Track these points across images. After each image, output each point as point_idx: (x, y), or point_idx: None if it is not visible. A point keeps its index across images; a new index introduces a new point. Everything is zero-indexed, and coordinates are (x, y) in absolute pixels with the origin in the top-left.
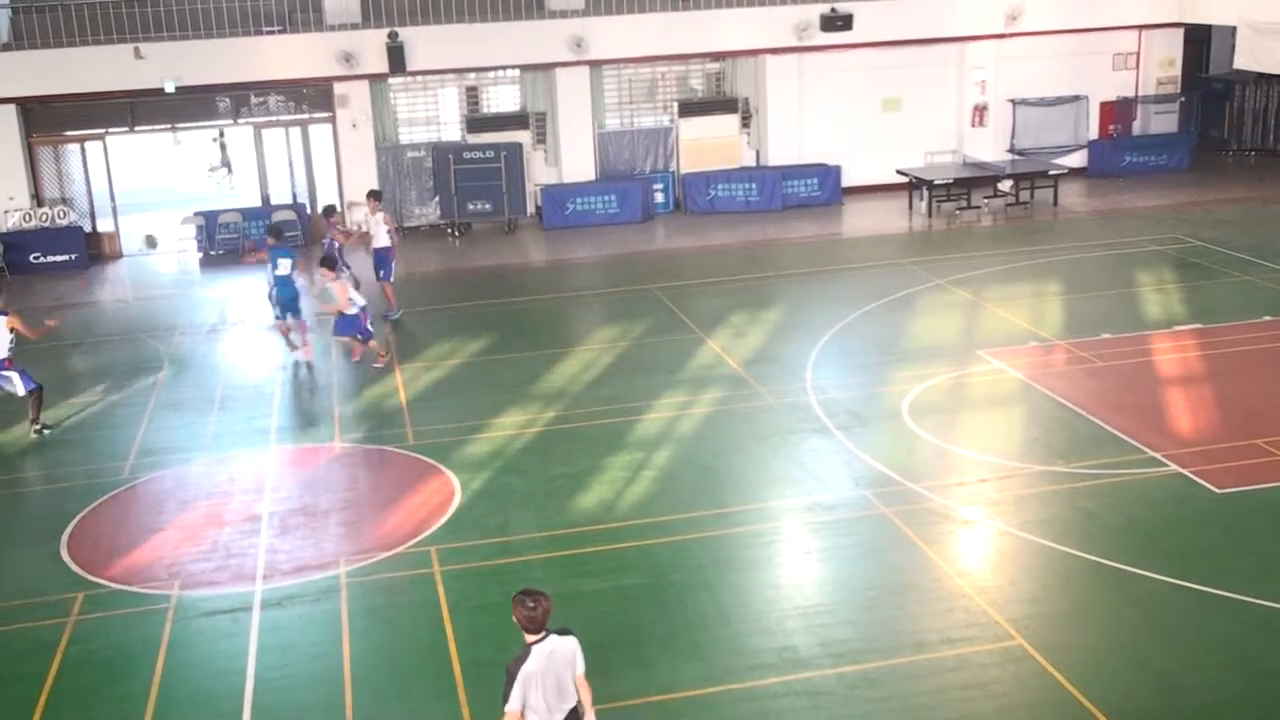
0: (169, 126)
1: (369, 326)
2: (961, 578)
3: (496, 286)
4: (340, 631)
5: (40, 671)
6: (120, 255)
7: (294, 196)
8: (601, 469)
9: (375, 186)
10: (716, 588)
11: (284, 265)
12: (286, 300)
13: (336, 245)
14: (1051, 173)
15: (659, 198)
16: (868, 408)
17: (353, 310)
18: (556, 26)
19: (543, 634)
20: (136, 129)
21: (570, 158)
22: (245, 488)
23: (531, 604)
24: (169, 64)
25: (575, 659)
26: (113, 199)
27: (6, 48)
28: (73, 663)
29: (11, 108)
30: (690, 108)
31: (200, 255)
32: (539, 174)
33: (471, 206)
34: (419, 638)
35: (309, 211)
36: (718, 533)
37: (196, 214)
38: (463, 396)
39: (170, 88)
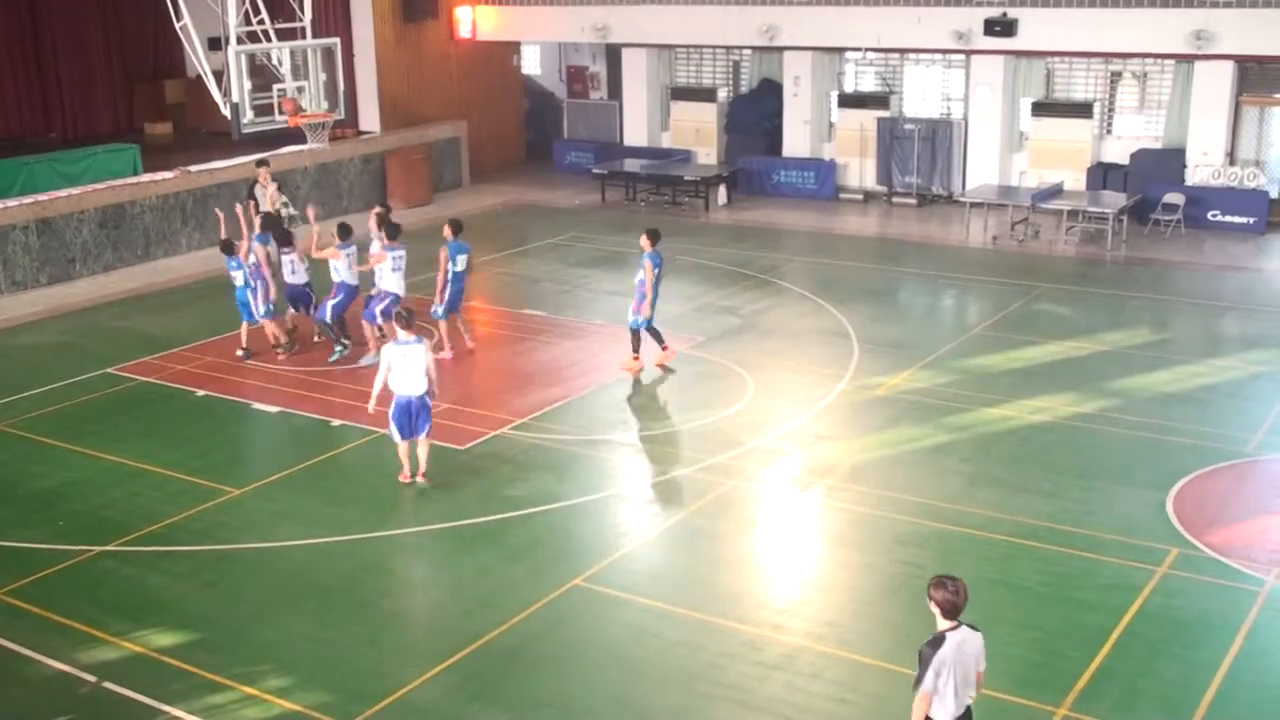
0: None
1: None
2: None
3: None
4: None
5: (1119, 607)
6: None
7: None
8: None
9: None
10: None
11: (461, 262)
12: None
13: None
14: None
15: None
16: None
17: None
18: None
19: (957, 623)
20: None
21: None
22: None
23: (953, 588)
24: None
25: (980, 654)
26: None
27: (1229, 5)
28: (1150, 610)
29: (1228, 64)
30: None
31: None
32: None
33: None
34: None
35: None
36: None
37: None
38: None
39: None
